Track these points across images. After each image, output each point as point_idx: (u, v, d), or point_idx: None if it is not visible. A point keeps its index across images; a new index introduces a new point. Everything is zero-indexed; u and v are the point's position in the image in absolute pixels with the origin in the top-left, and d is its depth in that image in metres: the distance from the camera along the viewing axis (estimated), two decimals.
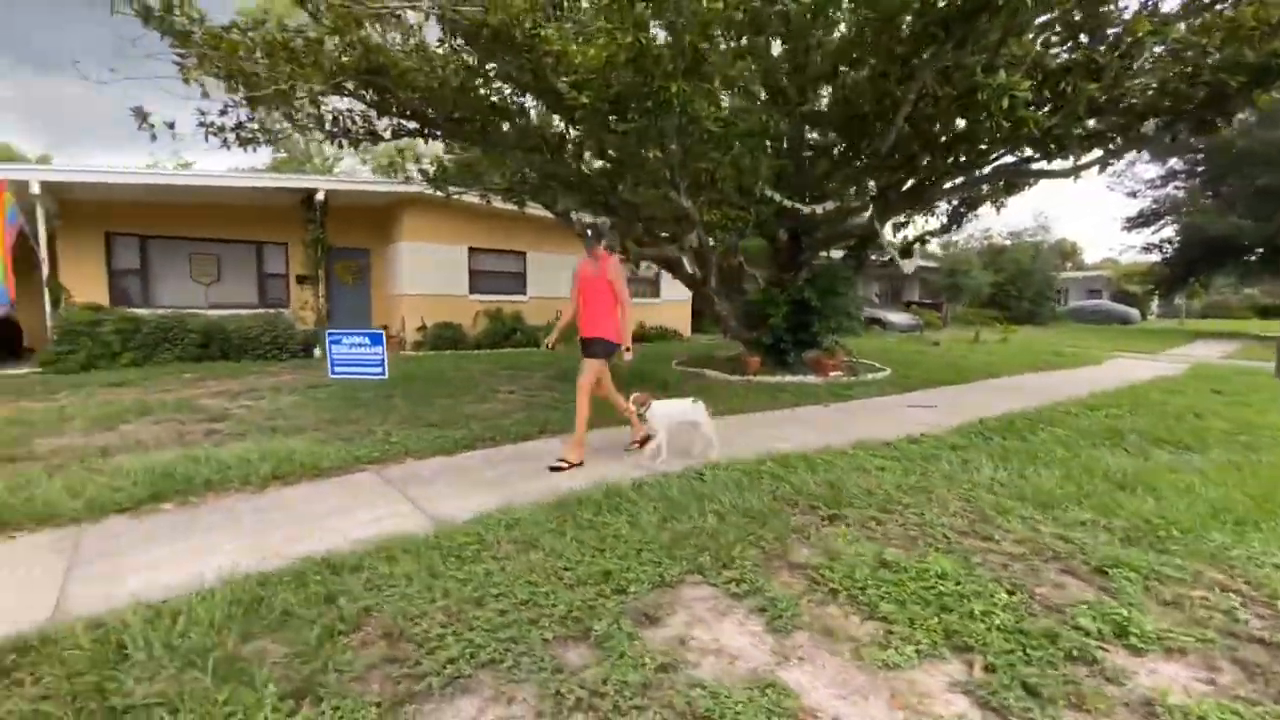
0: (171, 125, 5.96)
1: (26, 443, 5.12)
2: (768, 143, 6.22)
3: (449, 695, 1.97)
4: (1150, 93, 5.83)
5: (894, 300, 27.04)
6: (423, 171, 9.18)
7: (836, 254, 10.61)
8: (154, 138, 5.52)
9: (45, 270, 9.38)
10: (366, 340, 7.12)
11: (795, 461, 4.52)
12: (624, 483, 3.99)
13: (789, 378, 8.66)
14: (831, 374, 9.14)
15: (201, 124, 6.05)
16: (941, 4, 4.78)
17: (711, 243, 6.94)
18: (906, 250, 10.30)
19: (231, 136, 6.05)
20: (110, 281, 11.04)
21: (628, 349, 4.75)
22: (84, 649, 2.15)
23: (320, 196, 11.17)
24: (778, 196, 6.80)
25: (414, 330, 13.03)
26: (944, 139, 6.37)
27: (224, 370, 9.30)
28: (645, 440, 4.76)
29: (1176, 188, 24.15)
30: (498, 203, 11.38)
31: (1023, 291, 28.79)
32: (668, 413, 4.67)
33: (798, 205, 6.76)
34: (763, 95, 5.40)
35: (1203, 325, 33.78)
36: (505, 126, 6.41)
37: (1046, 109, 6.05)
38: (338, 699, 1.90)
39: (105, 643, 2.18)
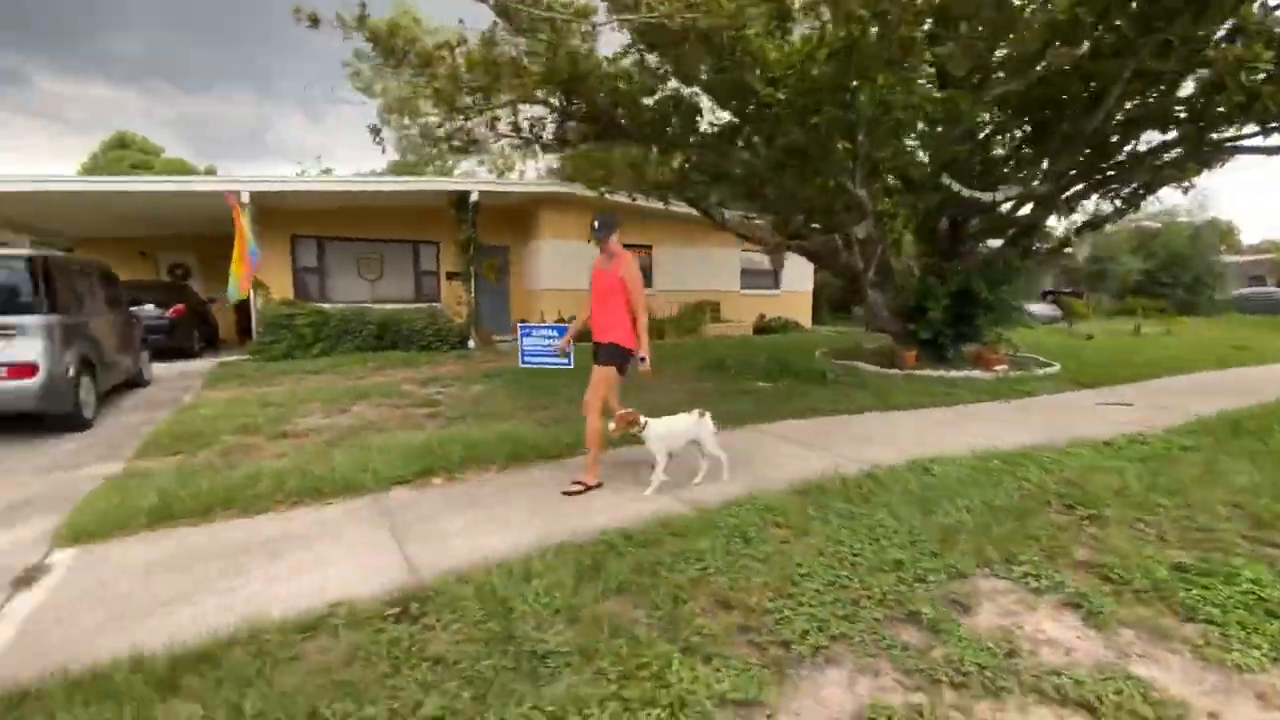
0: (377, 132, 6.65)
1: (286, 421, 5.92)
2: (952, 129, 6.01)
3: (819, 664, 2.14)
4: None
5: (1028, 289, 25.14)
6: (577, 169, 9.58)
7: (994, 243, 10.05)
8: (383, 150, 6.18)
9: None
10: (555, 334, 7.60)
11: (1019, 459, 4.40)
12: (854, 473, 4.07)
13: (952, 372, 8.34)
14: (996, 368, 8.70)
15: (423, 135, 6.71)
16: None
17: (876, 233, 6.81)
18: (1072, 237, 9.62)
19: (445, 146, 6.66)
20: (294, 279, 12.37)
21: (643, 357, 4.05)
22: (470, 600, 2.51)
23: (474, 198, 11.94)
24: (955, 185, 6.56)
25: (552, 323, 13.65)
26: (1152, 118, 5.87)
27: (398, 359, 10.21)
28: (585, 488, 3.93)
29: None
30: (621, 198, 11.78)
31: (1178, 278, 25.86)
32: (667, 433, 3.90)
33: (976, 194, 6.48)
34: (955, 78, 5.24)
35: None
36: (677, 124, 6.61)
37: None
38: (723, 659, 2.12)
39: (485, 596, 2.53)
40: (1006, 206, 8.55)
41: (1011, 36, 5.22)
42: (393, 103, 31.41)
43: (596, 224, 4.02)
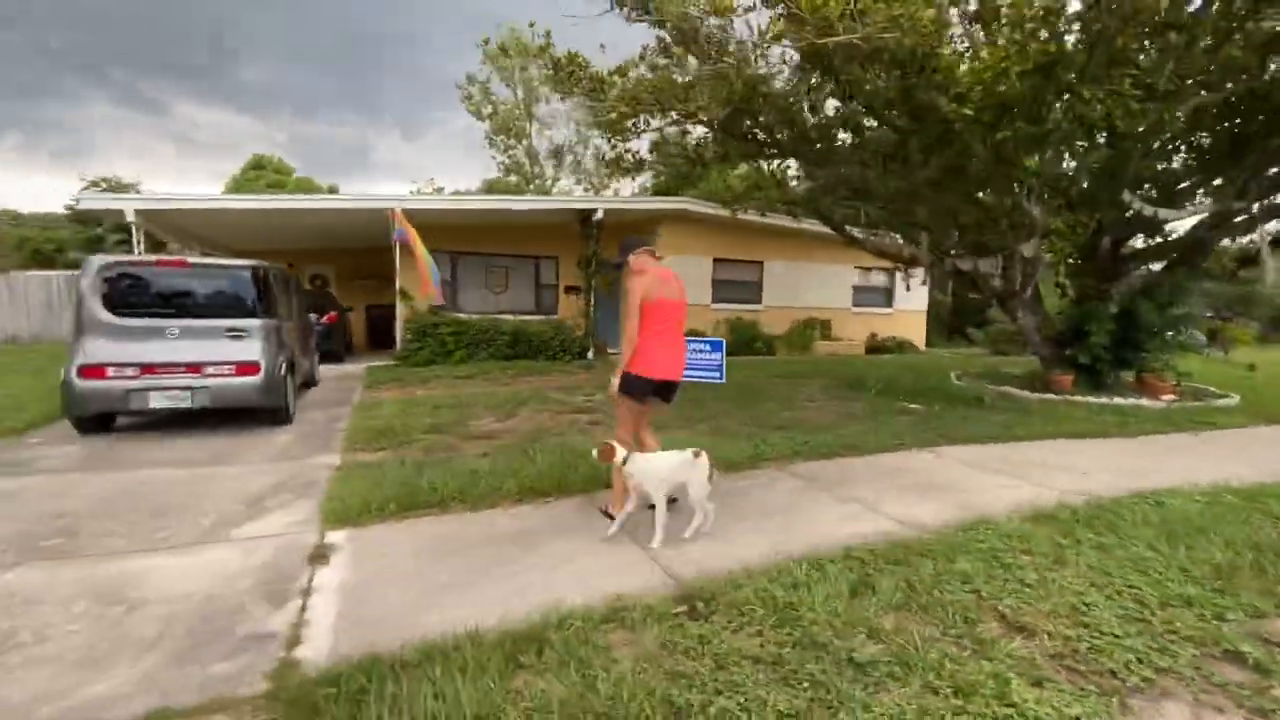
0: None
1: (465, 422, 6.33)
2: (1140, 145, 5.65)
3: (1154, 696, 2.07)
4: None
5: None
6: (727, 190, 9.76)
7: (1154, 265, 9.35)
8: (626, 171, 6.59)
9: (398, 281, 11.49)
10: (707, 347, 7.79)
11: (1255, 495, 4.07)
12: (1078, 503, 3.90)
13: (1116, 399, 7.80)
14: (1164, 397, 8.06)
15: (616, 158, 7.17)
16: None
17: (1046, 253, 6.49)
18: (1251, 257, 8.80)
19: (614, 167, 7.02)
20: None
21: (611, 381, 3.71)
22: (754, 603, 2.59)
23: (599, 215, 12.37)
24: (1137, 203, 6.18)
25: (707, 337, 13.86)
26: None
27: (531, 368, 10.70)
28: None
29: None
30: (743, 214, 11.85)
31: None
32: (662, 468, 3.40)
33: (1162, 213, 6.07)
34: (1159, 89, 4.94)
35: None
36: (843, 142, 6.63)
37: None
38: (1053, 683, 2.09)
39: (766, 600, 2.61)
40: (1182, 225, 7.97)
41: (1226, 46, 4.88)
42: (499, 122, 33.09)
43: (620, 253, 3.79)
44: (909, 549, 3.17)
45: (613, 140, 6.87)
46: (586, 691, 2.04)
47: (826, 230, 14.08)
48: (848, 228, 9.30)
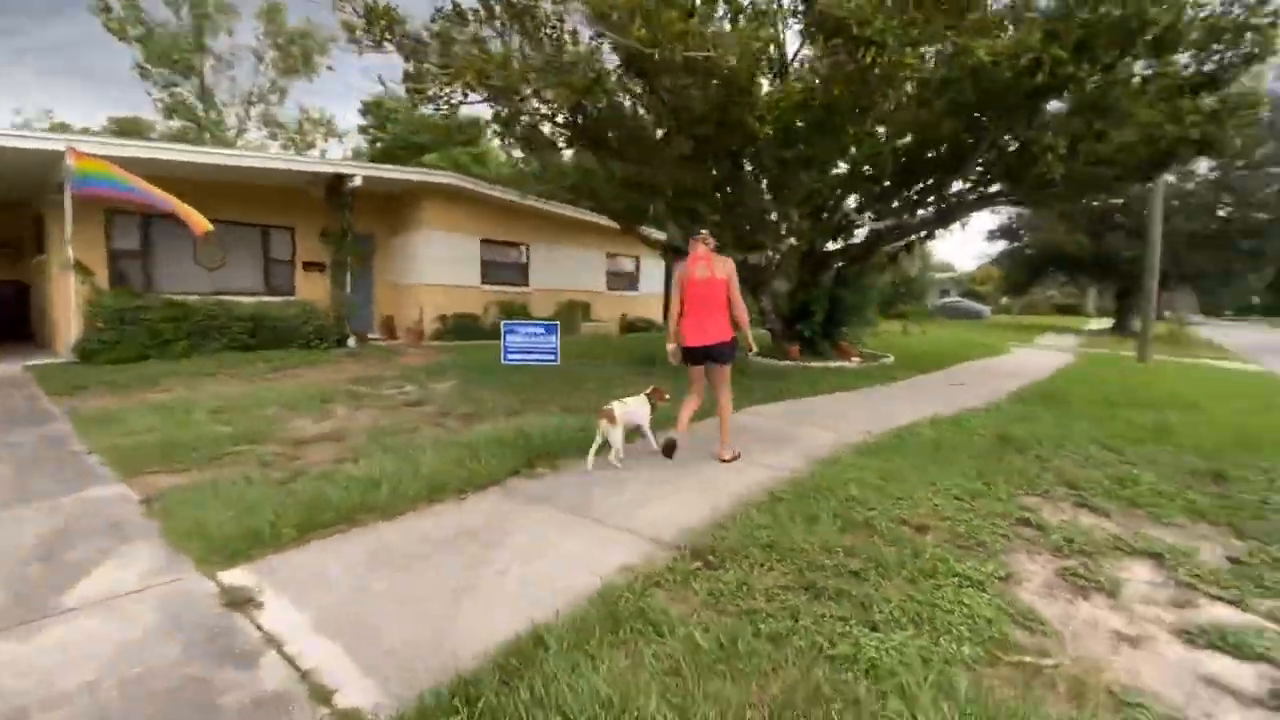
0: None
1: (277, 429, 5.28)
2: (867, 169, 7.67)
3: (1006, 550, 3.15)
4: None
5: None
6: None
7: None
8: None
9: (70, 249, 8.49)
10: (541, 330, 7.57)
11: (957, 423, 6.02)
12: (872, 440, 5.26)
13: (831, 363, 10.26)
14: (854, 359, 10.88)
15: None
16: (1028, 84, 6.47)
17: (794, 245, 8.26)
18: (898, 253, 12.39)
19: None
20: (110, 264, 10.05)
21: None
22: (755, 549, 3.03)
23: (356, 182, 10.94)
24: (869, 215, 8.31)
25: (432, 320, 13.05)
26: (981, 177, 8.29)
27: (288, 360, 9.08)
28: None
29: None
30: (495, 192, 11.99)
31: (910, 291, 33.36)
32: (630, 408, 4.60)
33: (877, 223, 8.31)
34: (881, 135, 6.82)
35: (1031, 319, 40.94)
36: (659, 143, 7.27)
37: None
38: (959, 555, 3.01)
39: (763, 548, 3.07)
40: (859, 234, 10.79)
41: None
42: (156, 50, 25.91)
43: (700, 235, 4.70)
44: (804, 486, 3.97)
45: (425, 100, 6.29)
46: (690, 647, 2.23)
47: (583, 215, 14.97)
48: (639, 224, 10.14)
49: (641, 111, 7.26)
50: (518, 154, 10.99)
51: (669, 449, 4.60)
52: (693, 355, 4.63)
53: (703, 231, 4.66)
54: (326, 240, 11.75)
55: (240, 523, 3.21)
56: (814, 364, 10.16)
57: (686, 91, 6.15)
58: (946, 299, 45.97)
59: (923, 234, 10.91)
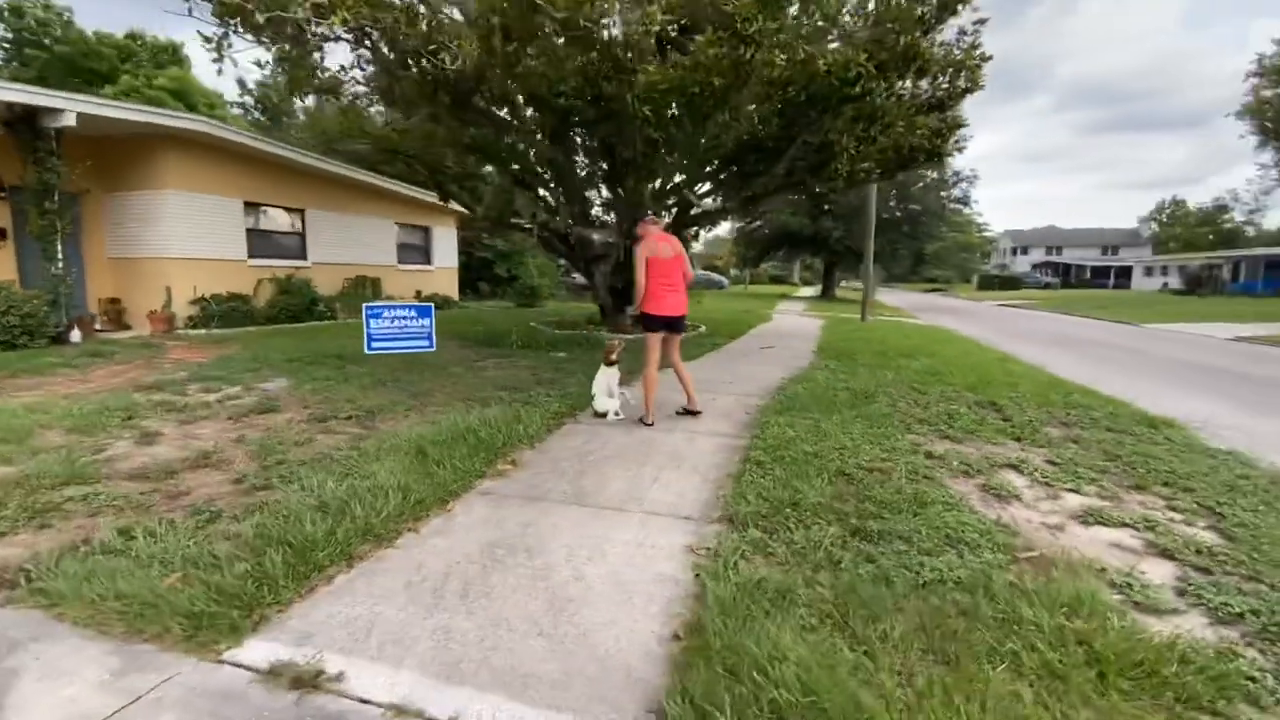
0: None
1: (102, 463, 3.88)
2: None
3: (947, 464, 3.98)
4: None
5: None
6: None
7: None
8: None
9: None
10: (413, 313, 6.36)
11: (810, 379, 7.07)
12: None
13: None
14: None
15: None
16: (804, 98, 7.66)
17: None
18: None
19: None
20: None
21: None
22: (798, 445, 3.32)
23: (68, 120, 8.01)
24: (691, 196, 8.97)
25: (187, 304, 10.40)
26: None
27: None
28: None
29: None
30: (280, 150, 10.26)
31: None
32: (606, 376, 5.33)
33: (695, 203, 9.04)
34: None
35: (758, 289, 48.39)
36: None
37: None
38: (928, 479, 3.72)
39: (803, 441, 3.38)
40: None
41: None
42: None
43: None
44: (767, 449, 4.40)
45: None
46: (819, 600, 2.46)
47: (372, 179, 13.33)
48: (455, 187, 9.38)
49: (511, 84, 6.74)
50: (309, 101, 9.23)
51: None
52: (668, 324, 5.18)
53: (650, 214, 4.83)
54: (16, 198, 8.52)
55: (206, 583, 2.43)
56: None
57: (560, 61, 5.92)
58: (701, 271, 51.95)
59: (723, 216, 12.23)
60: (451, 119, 7.44)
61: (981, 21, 8.88)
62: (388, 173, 12.52)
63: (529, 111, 7.22)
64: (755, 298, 33.44)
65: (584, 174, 9.22)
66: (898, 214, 31.31)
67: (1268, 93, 47.01)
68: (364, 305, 6.09)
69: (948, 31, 8.98)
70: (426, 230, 17.00)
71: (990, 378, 7.70)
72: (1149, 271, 52.04)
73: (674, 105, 6.43)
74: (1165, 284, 46.72)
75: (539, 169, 8.35)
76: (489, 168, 8.89)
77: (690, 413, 5.35)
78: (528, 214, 9.77)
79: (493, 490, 3.69)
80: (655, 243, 5.02)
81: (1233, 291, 35.88)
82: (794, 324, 16.21)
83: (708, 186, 10.53)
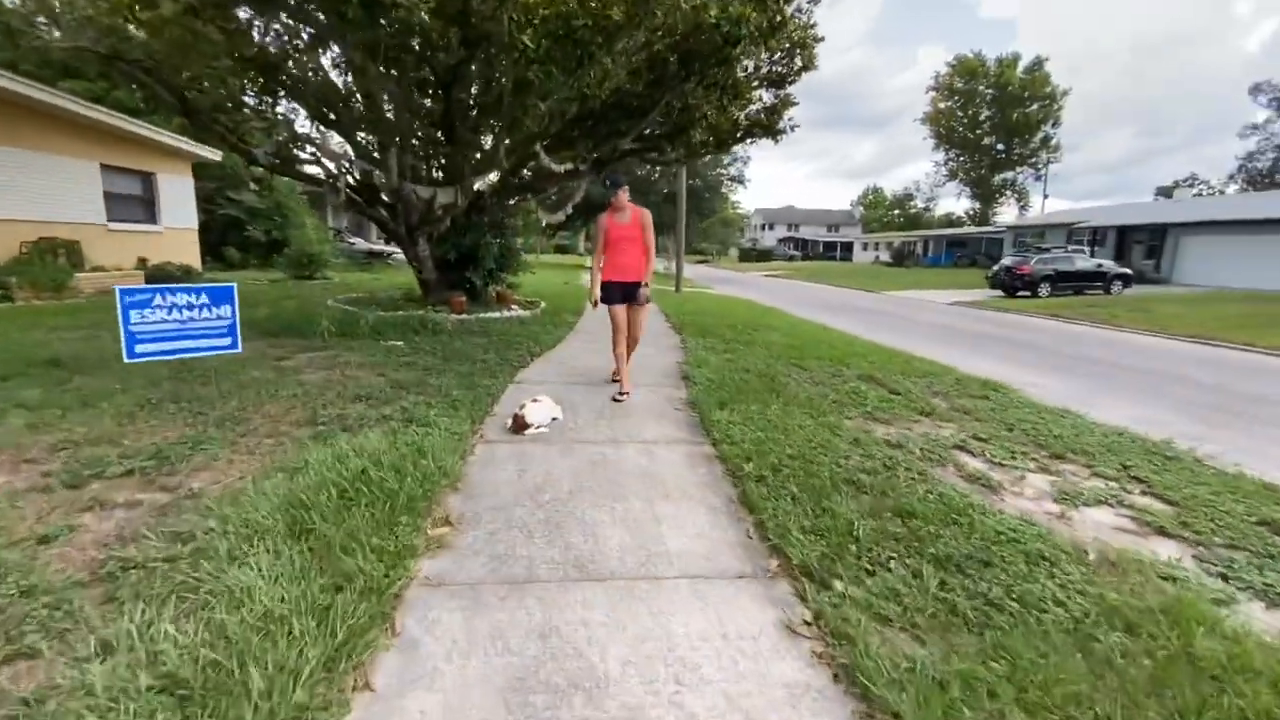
0: None
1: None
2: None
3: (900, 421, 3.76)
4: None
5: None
6: None
7: None
8: None
9: None
10: (203, 299, 3.90)
11: (701, 363, 6.62)
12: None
13: (501, 313, 9.62)
14: (513, 307, 10.52)
15: None
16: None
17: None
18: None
19: None
20: None
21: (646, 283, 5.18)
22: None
23: None
24: (543, 155, 7.76)
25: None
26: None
27: None
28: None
29: None
30: None
31: None
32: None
33: (552, 166, 7.85)
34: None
35: (551, 259, 47.53)
36: None
37: None
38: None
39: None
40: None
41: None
42: None
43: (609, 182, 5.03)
44: (745, 449, 3.78)
45: None
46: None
47: (64, 101, 9.47)
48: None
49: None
50: None
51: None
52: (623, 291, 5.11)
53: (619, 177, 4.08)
54: None
55: None
56: (488, 315, 9.35)
57: None
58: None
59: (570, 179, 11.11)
60: (223, 17, 5.12)
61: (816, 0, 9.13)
62: (82, 95, 8.84)
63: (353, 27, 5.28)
64: (554, 267, 32.57)
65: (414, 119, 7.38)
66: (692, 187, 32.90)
67: (942, 104, 59.89)
68: (118, 290, 3.85)
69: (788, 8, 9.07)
70: (149, 177, 12.75)
71: (839, 350, 8.09)
72: (865, 247, 63.23)
73: (553, 40, 5.24)
74: (877, 257, 57.20)
75: (356, 103, 6.37)
76: (282, 100, 6.56)
77: (619, 392, 5.17)
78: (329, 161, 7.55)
79: (444, 577, 2.46)
80: (611, 211, 5.04)
81: (927, 264, 45.23)
82: None
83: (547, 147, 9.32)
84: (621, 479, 3.47)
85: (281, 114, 6.76)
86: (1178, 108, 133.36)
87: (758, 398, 5.15)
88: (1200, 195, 47.00)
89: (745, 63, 9.10)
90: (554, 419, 4.41)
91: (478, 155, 7.49)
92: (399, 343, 6.93)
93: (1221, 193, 52.44)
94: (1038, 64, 55.92)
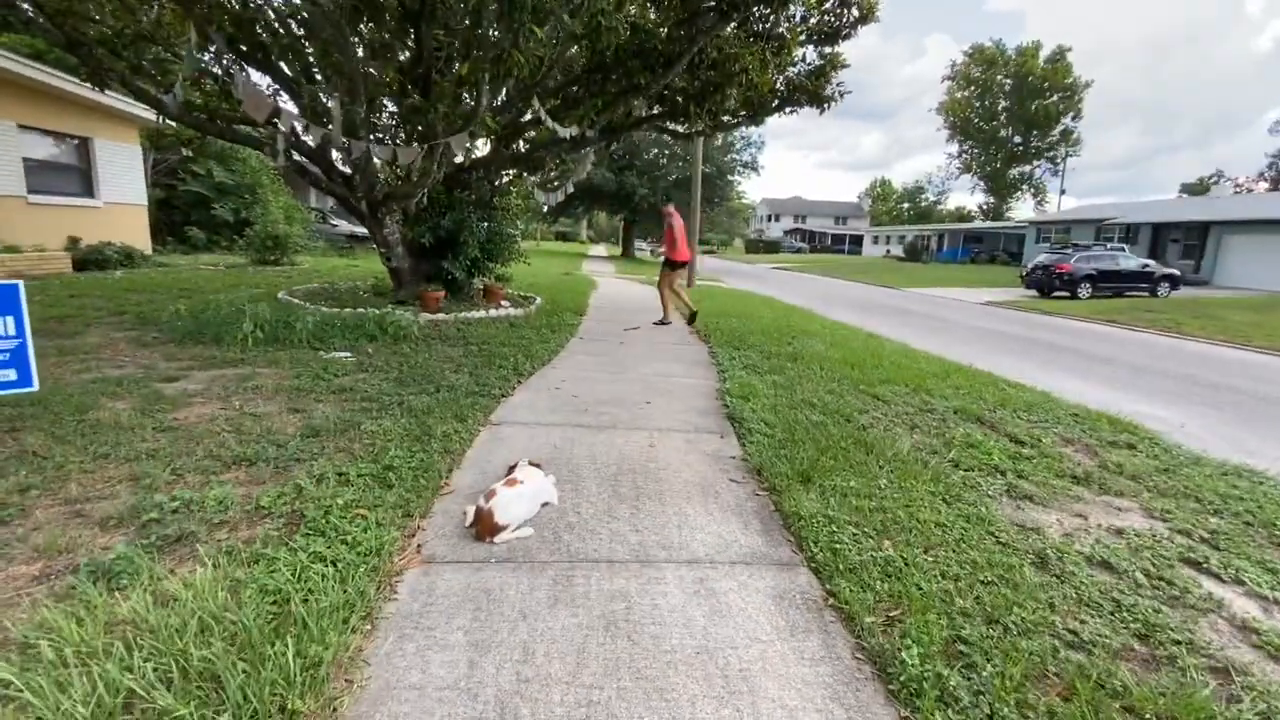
0: None
1: None
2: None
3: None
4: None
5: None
6: None
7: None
8: None
9: None
10: None
11: (741, 392, 4.96)
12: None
13: (486, 312, 7.92)
14: (503, 304, 8.82)
15: None
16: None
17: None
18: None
19: None
20: None
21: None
22: None
23: None
24: (543, 113, 6.02)
25: None
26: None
27: None
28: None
29: None
30: None
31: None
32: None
33: (559, 128, 6.12)
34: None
35: (552, 245, 45.83)
36: None
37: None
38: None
39: None
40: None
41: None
42: None
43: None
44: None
45: None
46: None
47: None
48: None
49: None
50: None
51: None
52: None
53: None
54: None
55: None
56: (470, 315, 7.65)
57: None
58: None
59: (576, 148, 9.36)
60: None
61: None
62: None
63: None
64: (554, 255, 30.85)
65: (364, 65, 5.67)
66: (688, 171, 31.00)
67: (959, 94, 57.75)
68: None
69: None
70: (84, 143, 10.97)
71: (907, 370, 6.38)
72: (875, 240, 61.26)
73: None
74: (888, 251, 55.27)
75: (292, 40, 4.66)
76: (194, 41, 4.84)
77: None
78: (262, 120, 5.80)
79: None
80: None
81: (942, 259, 43.40)
82: (626, 291, 14.18)
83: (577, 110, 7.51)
84: (664, 674, 1.80)
85: (186, 44, 5.07)
86: (1185, 105, 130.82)
87: (846, 458, 3.49)
88: (1238, 193, 45.00)
89: (792, 9, 7.38)
90: (545, 504, 2.77)
91: (455, 109, 5.79)
92: (345, 354, 5.26)
93: (1250, 190, 50.53)
94: (1060, 54, 53.68)
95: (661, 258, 8.15)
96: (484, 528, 2.45)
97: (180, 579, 1.97)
